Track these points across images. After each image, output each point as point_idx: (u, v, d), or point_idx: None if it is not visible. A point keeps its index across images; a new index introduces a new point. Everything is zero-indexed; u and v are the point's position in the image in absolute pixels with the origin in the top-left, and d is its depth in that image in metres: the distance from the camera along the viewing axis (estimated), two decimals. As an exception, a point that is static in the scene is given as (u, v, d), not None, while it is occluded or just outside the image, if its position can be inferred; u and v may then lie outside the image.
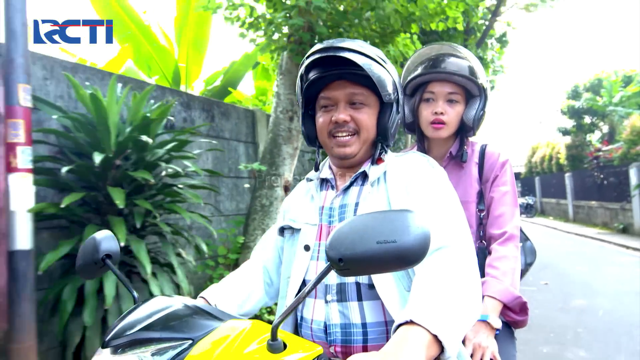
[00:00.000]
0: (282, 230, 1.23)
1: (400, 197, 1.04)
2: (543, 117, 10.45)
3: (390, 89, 1.09)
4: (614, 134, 15.31)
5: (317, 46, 1.08)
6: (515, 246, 1.43)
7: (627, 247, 9.57)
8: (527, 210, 19.81)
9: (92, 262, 1.02)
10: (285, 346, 0.73)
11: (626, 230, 11.49)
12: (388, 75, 1.09)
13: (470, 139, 1.62)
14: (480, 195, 1.55)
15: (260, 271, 1.28)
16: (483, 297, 1.34)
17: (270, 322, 0.97)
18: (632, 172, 11.11)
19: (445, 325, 0.74)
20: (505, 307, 1.36)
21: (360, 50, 1.05)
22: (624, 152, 12.09)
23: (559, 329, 4.26)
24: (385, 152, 1.16)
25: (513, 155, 26.28)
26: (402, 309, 0.94)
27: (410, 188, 1.05)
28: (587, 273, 7.14)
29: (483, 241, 1.51)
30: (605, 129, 18.00)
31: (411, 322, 0.73)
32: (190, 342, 0.74)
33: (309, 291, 0.69)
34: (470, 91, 1.54)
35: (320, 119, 1.14)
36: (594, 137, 18.82)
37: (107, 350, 0.80)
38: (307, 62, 1.10)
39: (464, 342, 1.28)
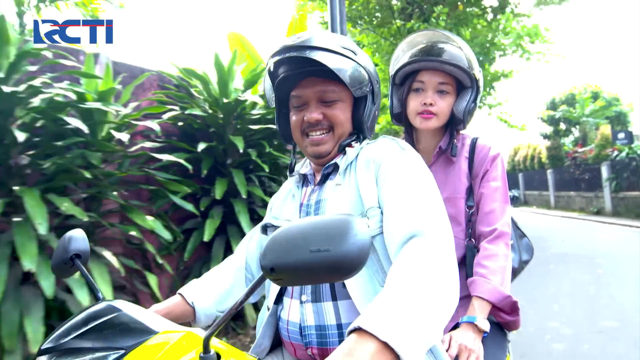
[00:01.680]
0: (264, 229, 1.21)
1: (370, 185, 1.00)
2: (525, 123, 13.33)
3: (362, 81, 1.05)
4: (586, 139, 19.31)
5: (282, 44, 1.03)
6: (505, 244, 1.35)
7: (601, 222, 13.35)
8: (512, 201, 23.59)
9: (62, 262, 1.00)
10: (218, 358, 0.71)
11: (599, 212, 15.30)
12: (359, 68, 1.04)
13: (461, 132, 1.53)
14: (470, 191, 1.47)
15: (243, 266, 1.25)
16: (471, 297, 1.28)
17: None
18: (603, 169, 14.92)
19: (399, 331, 0.67)
20: (495, 308, 1.28)
21: (326, 47, 1.00)
22: (596, 153, 15.96)
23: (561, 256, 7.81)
24: (360, 142, 1.12)
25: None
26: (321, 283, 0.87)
27: (380, 173, 1.00)
28: (576, 237, 10.83)
29: (472, 239, 1.43)
30: (577, 134, 22.11)
31: (360, 329, 0.67)
32: (122, 352, 0.71)
33: (242, 302, 0.67)
34: (462, 82, 1.45)
35: (293, 117, 1.11)
36: (567, 140, 22.94)
37: (43, 358, 0.78)
38: (273, 60, 1.05)
39: (449, 342, 1.20)
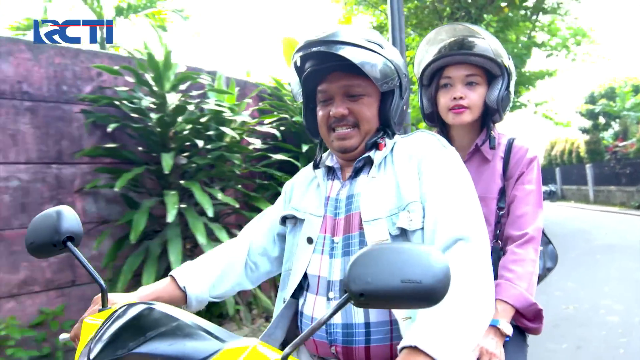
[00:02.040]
0: (283, 220, 1.18)
1: (411, 179, 0.99)
2: (569, 120, 13.23)
3: (388, 75, 1.02)
4: (627, 133, 19.19)
5: (307, 40, 1.02)
6: (534, 249, 1.32)
7: (643, 216, 13.48)
8: (550, 195, 23.87)
9: (50, 243, 0.93)
10: None
11: (641, 206, 15.43)
12: (385, 62, 1.02)
13: (497, 131, 1.48)
14: (502, 192, 1.41)
15: (245, 251, 1.21)
16: (495, 300, 1.22)
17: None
18: (645, 163, 15.02)
19: (453, 350, 0.71)
20: (518, 313, 1.26)
21: (351, 41, 0.98)
22: (637, 147, 15.97)
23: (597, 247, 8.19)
24: (390, 138, 1.09)
25: (533, 148, 30.20)
26: (406, 309, 0.88)
27: (422, 170, 0.99)
28: (619, 230, 11.08)
29: (499, 241, 1.40)
30: (617, 128, 21.90)
31: (416, 348, 0.70)
32: None
33: (325, 321, 0.65)
34: (491, 71, 1.42)
35: (320, 112, 1.09)
36: (606, 135, 22.73)
37: None
38: (298, 55, 1.05)
39: None
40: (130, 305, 0.79)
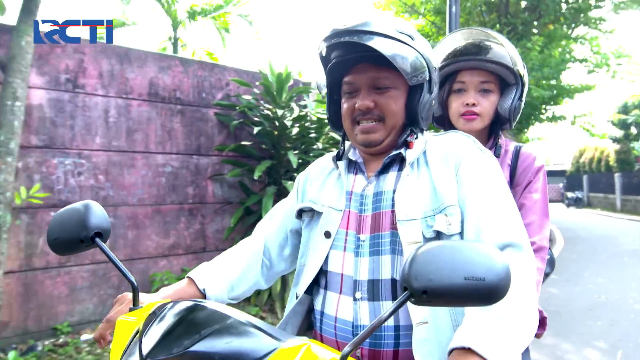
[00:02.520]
0: (299, 213, 1.13)
1: (449, 182, 0.96)
2: (605, 132, 13.27)
3: (418, 69, 0.97)
4: (659, 145, 19.46)
5: (334, 28, 0.97)
6: (541, 258, 1.31)
7: (671, 227, 13.91)
8: (576, 202, 24.15)
9: (78, 239, 0.89)
10: None
11: (667, 217, 15.81)
12: (416, 54, 0.97)
13: (504, 137, 1.47)
14: None
15: (261, 250, 1.17)
16: None
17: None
18: (675, 175, 15.37)
19: (505, 352, 0.70)
20: None
21: (381, 32, 0.94)
22: (668, 159, 16.33)
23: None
24: (417, 136, 1.05)
25: (559, 154, 30.41)
26: (431, 309, 0.87)
27: (460, 174, 0.96)
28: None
29: None
30: (648, 138, 22.09)
31: (469, 350, 0.69)
32: None
33: (387, 318, 0.63)
34: (505, 79, 1.40)
35: (345, 104, 1.05)
36: (637, 145, 22.88)
37: None
38: (325, 44, 1.00)
39: None
40: (176, 303, 0.75)
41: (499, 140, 1.43)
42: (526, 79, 1.44)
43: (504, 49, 1.38)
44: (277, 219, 1.21)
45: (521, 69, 1.40)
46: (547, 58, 8.53)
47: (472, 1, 9.41)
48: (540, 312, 1.29)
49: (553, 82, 9.35)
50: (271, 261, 1.18)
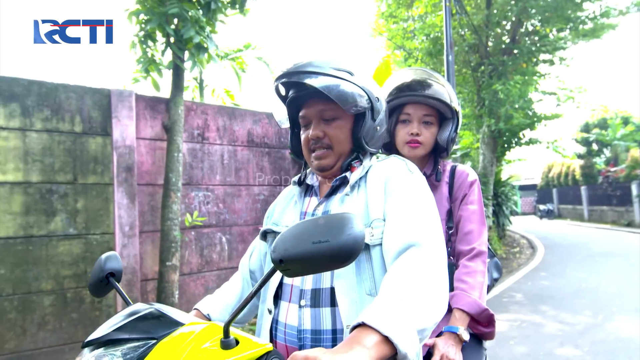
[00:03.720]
0: (264, 235, 1.26)
1: (378, 199, 1.06)
2: (557, 143, 14.91)
3: (355, 99, 1.09)
4: (618, 160, 21.74)
5: (282, 70, 1.13)
6: (482, 262, 1.45)
7: (632, 232, 15.86)
8: (548, 214, 26.22)
9: (98, 280, 1.11)
10: (237, 343, 0.77)
11: (630, 224, 17.79)
12: (355, 88, 1.10)
13: (442, 160, 1.64)
14: (450, 214, 1.57)
15: (248, 277, 1.33)
16: (452, 309, 1.38)
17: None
18: (633, 187, 17.44)
19: (398, 326, 0.75)
20: (473, 320, 1.39)
21: (319, 71, 1.08)
22: (626, 173, 18.46)
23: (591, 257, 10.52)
24: (361, 161, 1.17)
25: (530, 170, 32.73)
26: (359, 312, 0.96)
27: (387, 191, 1.07)
28: (611, 242, 13.44)
29: (451, 257, 1.52)
30: (608, 154, 24.51)
31: (363, 325, 0.75)
32: (154, 341, 0.80)
33: (255, 293, 0.75)
34: (444, 114, 1.57)
35: (302, 135, 1.20)
36: (598, 160, 25.31)
37: (86, 350, 0.87)
38: (277, 83, 1.16)
39: (432, 350, 1.31)
40: (128, 307, 0.96)
41: (439, 165, 1.62)
42: (460, 115, 1.61)
43: (443, 88, 1.56)
44: (255, 248, 1.36)
45: (456, 105, 1.59)
46: (523, 93, 10.29)
47: (459, 46, 11.17)
48: (487, 310, 1.39)
49: (529, 112, 11.13)
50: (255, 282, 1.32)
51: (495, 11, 10.94)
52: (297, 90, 1.17)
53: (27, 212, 3.90)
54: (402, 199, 1.04)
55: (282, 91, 1.22)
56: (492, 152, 11.17)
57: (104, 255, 1.14)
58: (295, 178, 1.28)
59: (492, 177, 11.08)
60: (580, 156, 25.71)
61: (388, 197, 1.07)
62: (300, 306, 1.06)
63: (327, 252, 0.71)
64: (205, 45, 4.55)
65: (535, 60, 11.44)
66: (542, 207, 27.17)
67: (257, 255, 1.34)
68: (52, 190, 4.03)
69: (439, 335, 1.36)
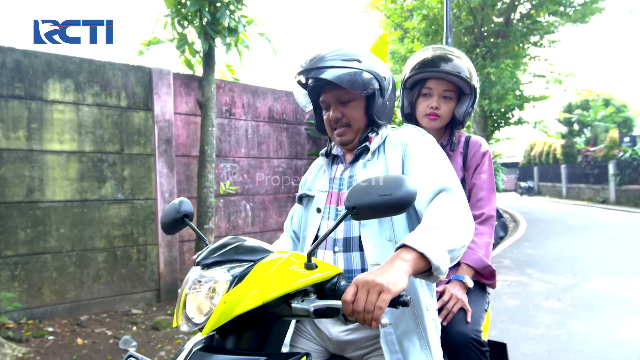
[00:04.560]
0: (300, 199, 1.46)
1: (396, 162, 1.26)
2: (543, 123, 15.46)
3: (365, 83, 1.25)
4: (597, 140, 22.73)
5: (300, 68, 1.29)
6: (490, 225, 1.67)
7: (607, 209, 16.86)
8: (528, 191, 27.19)
9: (174, 220, 1.27)
10: (316, 266, 0.98)
11: (605, 201, 18.83)
12: (364, 74, 1.25)
13: (457, 131, 1.79)
14: (463, 181, 1.72)
15: (292, 234, 1.53)
16: (460, 263, 1.62)
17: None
18: (610, 166, 18.40)
19: (432, 245, 0.95)
20: (477, 273, 1.63)
21: (330, 65, 1.23)
22: (604, 153, 19.41)
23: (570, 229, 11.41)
24: (376, 132, 1.35)
25: (513, 148, 33.74)
26: (381, 254, 1.18)
27: (407, 153, 1.26)
28: (588, 217, 14.39)
29: None
30: (588, 134, 25.52)
31: (403, 246, 0.96)
32: (252, 263, 0.96)
33: (335, 227, 0.95)
34: (463, 89, 1.71)
35: (324, 117, 1.37)
36: (579, 140, 26.31)
37: (198, 268, 1.00)
38: (298, 78, 1.33)
39: (443, 292, 1.56)
40: (224, 237, 1.09)
41: (454, 137, 1.76)
42: (478, 91, 1.74)
43: (463, 64, 1.69)
44: (295, 211, 1.56)
45: (475, 82, 1.71)
46: (514, 75, 10.86)
47: (455, 28, 11.60)
48: (490, 266, 1.63)
49: (518, 92, 11.73)
50: (299, 239, 1.49)
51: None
52: (315, 80, 1.33)
53: (81, 178, 4.34)
54: (422, 156, 1.23)
55: (303, 80, 1.37)
56: (483, 131, 11.78)
57: (177, 200, 1.30)
58: (323, 151, 1.46)
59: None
60: (563, 136, 26.65)
61: (409, 157, 1.25)
62: (334, 252, 1.26)
63: (390, 202, 0.91)
64: (235, 28, 4.95)
65: (526, 44, 11.98)
66: (523, 184, 28.01)
67: (297, 217, 1.51)
68: (102, 159, 4.47)
69: (447, 283, 1.59)
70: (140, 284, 4.69)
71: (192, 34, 5.03)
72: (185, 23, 4.94)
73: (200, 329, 0.92)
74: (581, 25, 12.17)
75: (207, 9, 4.73)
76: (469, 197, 1.71)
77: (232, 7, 4.95)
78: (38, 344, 3.59)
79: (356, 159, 1.35)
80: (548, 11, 11.45)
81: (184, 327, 0.94)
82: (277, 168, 6.00)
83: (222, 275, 0.94)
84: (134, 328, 4.03)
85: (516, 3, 11.49)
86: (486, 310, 1.70)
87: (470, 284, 1.59)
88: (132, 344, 3.60)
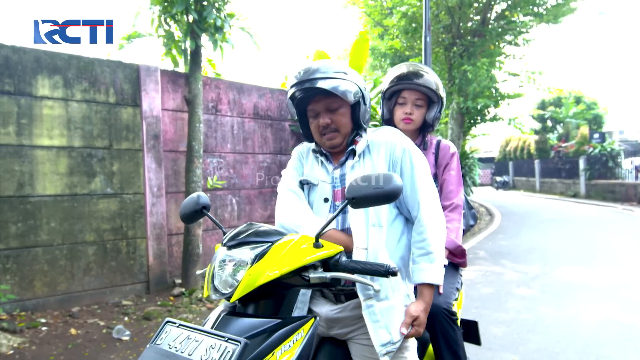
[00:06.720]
0: (301, 184, 1.59)
1: (382, 162, 1.47)
2: (517, 119, 16.06)
3: (352, 92, 1.43)
4: (569, 136, 23.51)
5: (294, 80, 1.45)
6: (459, 213, 2.03)
7: (577, 203, 17.56)
8: (503, 185, 27.91)
9: (194, 211, 1.46)
10: (322, 246, 1.21)
11: (575, 195, 19.59)
12: (350, 84, 1.43)
13: (429, 135, 2.15)
14: (435, 177, 2.05)
15: (296, 191, 1.60)
16: None
17: None
18: (581, 161, 19.14)
19: (440, 274, 1.41)
20: (451, 253, 1.96)
21: (323, 76, 1.41)
22: (575, 149, 20.14)
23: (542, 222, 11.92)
24: (361, 136, 1.55)
25: (489, 144, 34.54)
26: (364, 234, 1.41)
27: (396, 156, 1.48)
28: (559, 210, 14.97)
29: None
30: (560, 131, 26.36)
31: (424, 284, 1.40)
32: (270, 243, 1.16)
33: (337, 213, 1.20)
34: (432, 98, 2.06)
35: (312, 124, 1.52)
36: (552, 136, 27.14)
37: (224, 248, 1.21)
38: (291, 90, 1.48)
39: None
40: (245, 224, 1.29)
41: (426, 138, 2.13)
42: (444, 100, 2.11)
43: (431, 78, 2.04)
44: (294, 180, 1.62)
45: (441, 92, 2.07)
46: (490, 73, 11.23)
47: (434, 26, 11.90)
48: (460, 246, 1.99)
49: (494, 90, 12.12)
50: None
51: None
52: (305, 91, 1.46)
53: (71, 173, 4.43)
54: (415, 174, 1.48)
55: (297, 94, 1.49)
56: (460, 127, 12.14)
57: (195, 194, 1.49)
58: (314, 147, 1.60)
59: (459, 150, 12.09)
60: (536, 132, 27.44)
61: (404, 165, 1.48)
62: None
63: (382, 194, 1.17)
64: (221, 27, 5.07)
65: (502, 42, 12.37)
66: (498, 178, 28.77)
67: (298, 186, 1.61)
68: (91, 154, 4.56)
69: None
70: (130, 276, 4.80)
71: (178, 31, 5.12)
72: (172, 21, 5.04)
73: (227, 298, 1.12)
74: (554, 26, 12.65)
75: (193, 8, 4.83)
76: (440, 190, 2.04)
77: (217, 5, 5.06)
78: (32, 334, 3.69)
79: (345, 159, 1.54)
80: (522, 12, 11.85)
81: (213, 296, 1.15)
82: (262, 163, 6.16)
83: (246, 253, 1.15)
84: (126, 318, 4.16)
85: (492, 3, 11.84)
86: (459, 290, 1.96)
87: (445, 262, 1.75)
88: (126, 332, 3.73)
